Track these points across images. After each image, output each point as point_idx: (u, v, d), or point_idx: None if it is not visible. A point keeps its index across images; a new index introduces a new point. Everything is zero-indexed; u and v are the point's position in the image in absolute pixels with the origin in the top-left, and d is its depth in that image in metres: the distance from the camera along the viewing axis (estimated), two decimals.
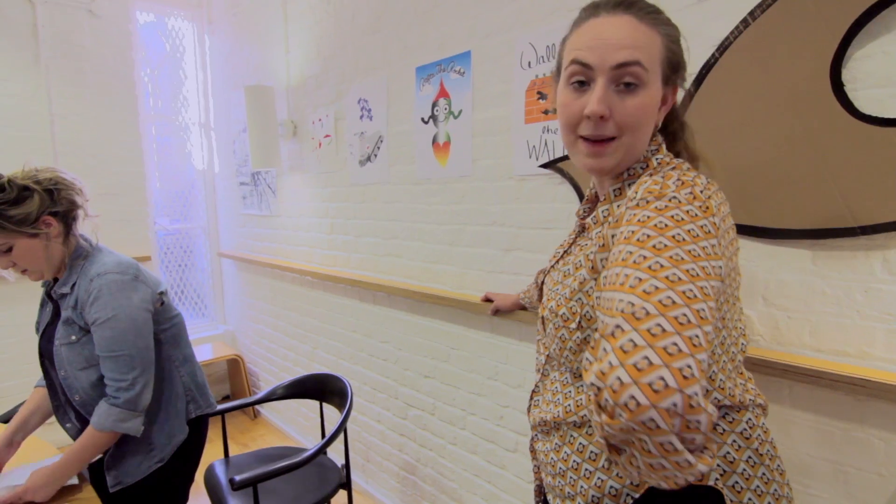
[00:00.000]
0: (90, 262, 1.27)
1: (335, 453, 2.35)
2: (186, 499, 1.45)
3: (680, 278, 0.53)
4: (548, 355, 0.85)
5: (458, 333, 1.85)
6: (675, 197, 0.62)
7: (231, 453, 1.96)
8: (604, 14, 0.70)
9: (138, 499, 1.30)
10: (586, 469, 0.75)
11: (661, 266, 0.54)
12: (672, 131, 0.82)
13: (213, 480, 1.79)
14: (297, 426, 2.96)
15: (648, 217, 0.60)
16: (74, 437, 1.35)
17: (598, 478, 0.73)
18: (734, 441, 0.71)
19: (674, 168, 0.71)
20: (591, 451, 0.74)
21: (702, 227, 0.59)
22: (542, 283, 0.90)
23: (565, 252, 0.85)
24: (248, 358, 3.41)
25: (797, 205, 1.02)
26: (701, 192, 0.64)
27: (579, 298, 0.73)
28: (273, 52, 2.69)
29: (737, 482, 0.69)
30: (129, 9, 3.03)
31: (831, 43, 0.95)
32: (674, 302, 0.51)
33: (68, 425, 1.36)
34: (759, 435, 0.73)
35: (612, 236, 0.68)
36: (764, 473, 0.71)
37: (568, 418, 0.77)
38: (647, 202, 0.63)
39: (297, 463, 1.50)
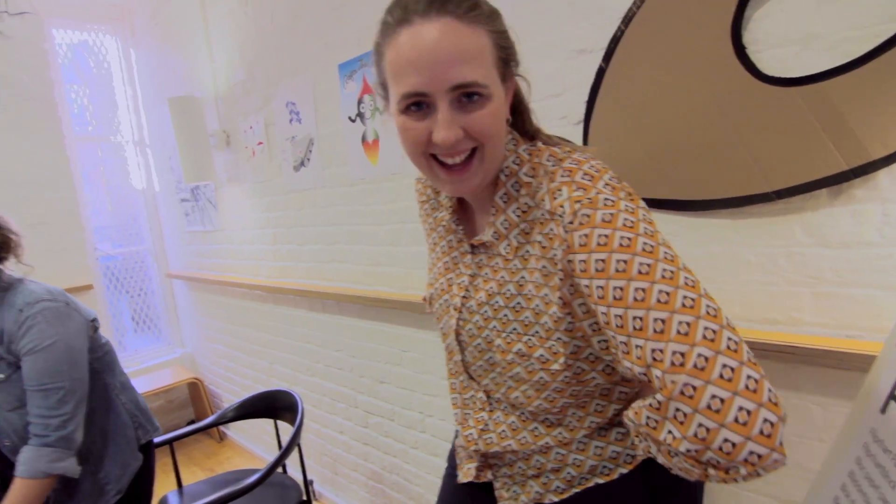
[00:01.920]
0: (13, 293, 1.18)
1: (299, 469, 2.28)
2: None
3: (693, 299, 0.52)
4: (495, 398, 0.79)
5: (407, 335, 1.80)
6: (607, 199, 0.59)
7: (198, 479, 1.88)
8: (417, 20, 0.59)
9: None
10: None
11: (668, 294, 0.53)
12: (520, 113, 0.75)
13: None
14: (265, 445, 2.87)
15: (607, 237, 0.57)
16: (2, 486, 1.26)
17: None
18: None
19: (558, 159, 0.67)
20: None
21: (643, 218, 0.58)
22: (457, 320, 0.78)
23: (472, 275, 0.77)
24: (208, 379, 3.29)
25: (715, 174, 0.99)
26: (611, 178, 0.62)
27: (559, 338, 0.66)
28: (198, 61, 2.57)
29: None
30: (43, 28, 2.86)
31: (729, 5, 0.92)
32: (714, 331, 0.50)
33: None
34: None
35: (570, 262, 0.61)
36: None
37: (580, 473, 0.76)
38: (589, 217, 0.59)
39: (244, 489, 1.43)
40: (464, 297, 0.77)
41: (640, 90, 1.06)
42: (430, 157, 0.66)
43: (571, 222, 0.60)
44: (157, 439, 1.45)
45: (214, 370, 3.21)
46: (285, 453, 1.57)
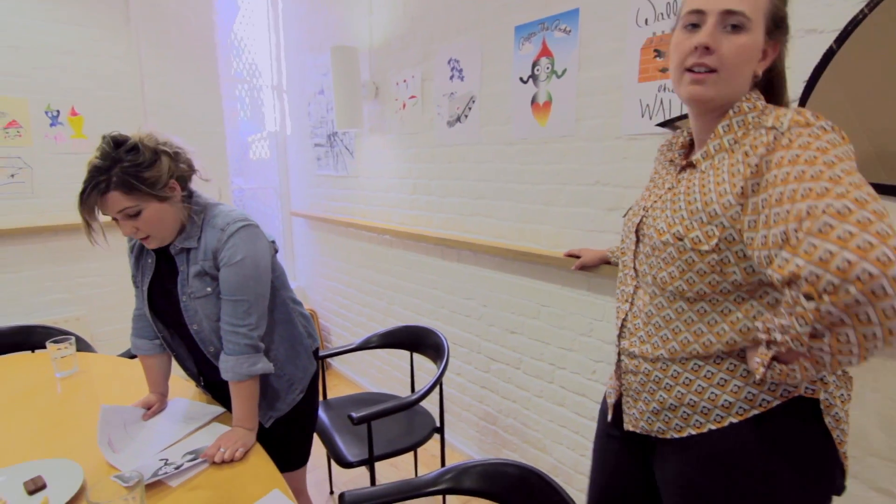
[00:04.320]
0: (211, 214, 1.29)
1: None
2: (316, 422, 1.57)
3: (857, 184, 0.64)
4: (646, 282, 0.94)
5: (549, 291, 1.91)
6: (822, 126, 0.72)
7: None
8: None
9: (290, 426, 1.44)
10: (712, 392, 0.86)
11: (839, 177, 0.65)
12: (775, 86, 0.89)
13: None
14: (369, 377, 3.12)
15: (808, 143, 0.70)
16: (195, 378, 1.49)
17: (721, 378, 0.85)
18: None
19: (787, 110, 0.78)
20: (721, 378, 0.85)
21: (845, 151, 0.70)
22: (639, 222, 0.97)
23: (670, 188, 0.93)
24: (319, 313, 3.57)
25: None
26: (827, 123, 0.74)
27: (720, 223, 0.79)
28: (355, 13, 2.71)
29: (826, 397, 0.82)
30: None
31: None
32: (865, 199, 0.62)
33: (191, 371, 1.47)
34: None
35: (768, 162, 0.74)
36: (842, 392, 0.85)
37: (703, 351, 0.86)
38: (799, 133, 0.72)
39: (408, 403, 1.62)
40: (654, 200, 0.96)
41: (873, 75, 1.08)
42: (685, 70, 0.84)
43: (787, 130, 0.74)
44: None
45: (326, 305, 3.47)
46: (435, 384, 1.74)
